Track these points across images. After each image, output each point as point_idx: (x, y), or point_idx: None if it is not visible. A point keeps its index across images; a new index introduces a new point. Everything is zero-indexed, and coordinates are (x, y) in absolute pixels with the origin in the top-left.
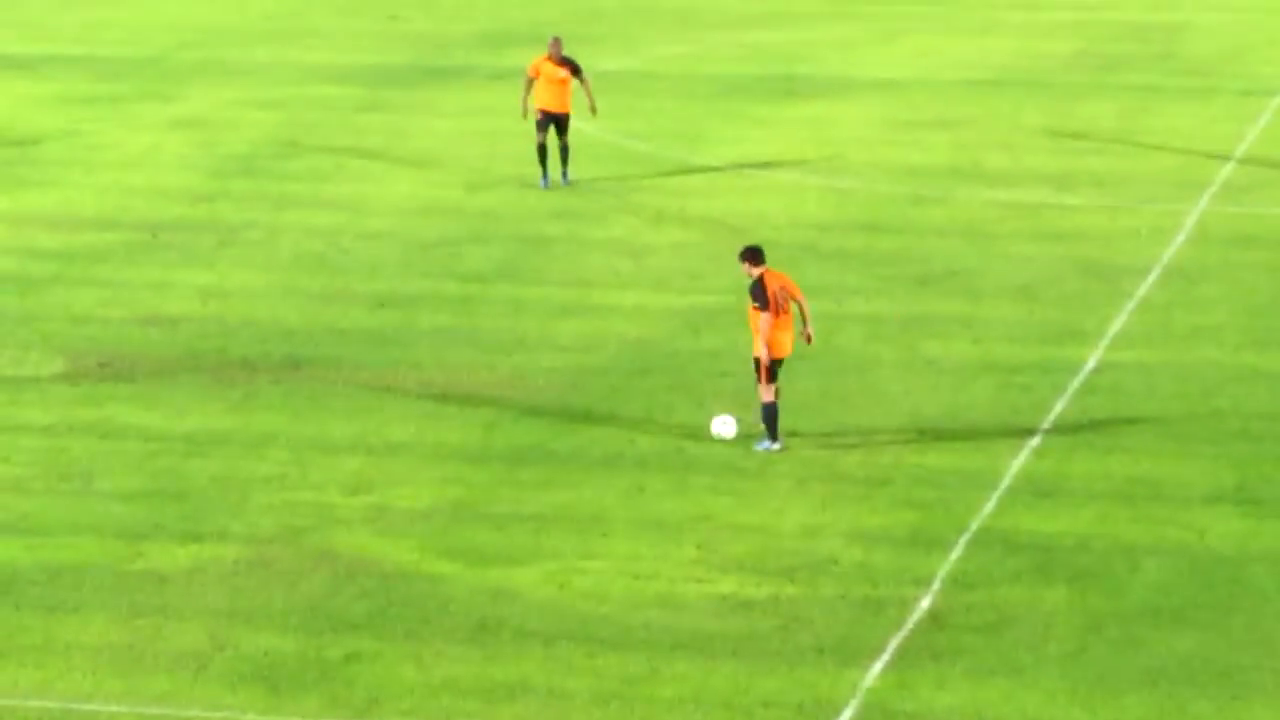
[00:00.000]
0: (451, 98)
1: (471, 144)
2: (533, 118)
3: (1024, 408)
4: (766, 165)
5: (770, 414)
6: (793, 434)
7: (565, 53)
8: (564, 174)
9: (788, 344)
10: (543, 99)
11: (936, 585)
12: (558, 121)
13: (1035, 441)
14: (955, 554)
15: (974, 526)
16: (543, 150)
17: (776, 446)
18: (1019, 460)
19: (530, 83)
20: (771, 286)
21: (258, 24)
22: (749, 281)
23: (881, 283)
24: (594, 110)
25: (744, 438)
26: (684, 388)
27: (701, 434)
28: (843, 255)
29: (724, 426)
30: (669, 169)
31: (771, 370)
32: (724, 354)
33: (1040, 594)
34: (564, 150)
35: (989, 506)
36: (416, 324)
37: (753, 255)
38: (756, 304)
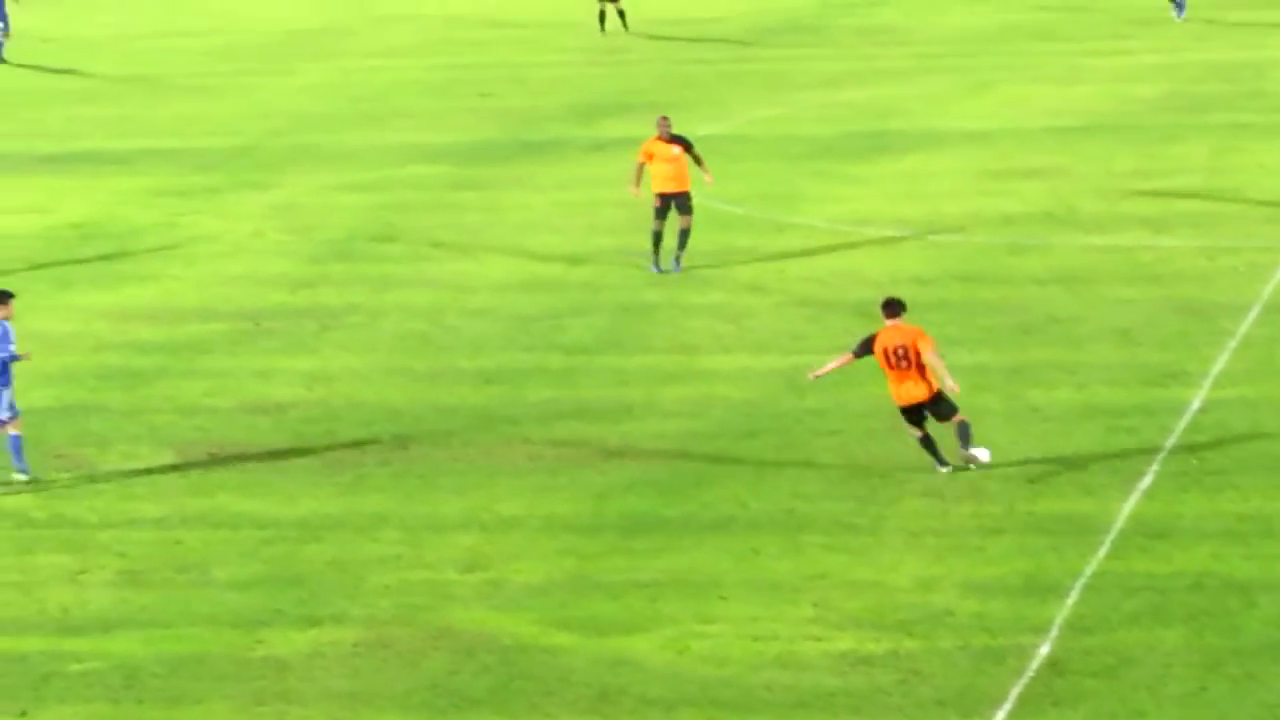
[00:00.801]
0: (546, 171)
1: (569, 216)
2: (650, 203)
3: (1131, 450)
4: (863, 222)
5: (926, 445)
6: (902, 486)
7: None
8: (677, 260)
9: (904, 393)
10: (659, 182)
11: (1054, 632)
12: (679, 202)
13: (1144, 483)
14: (1071, 600)
15: (1088, 571)
16: (658, 238)
17: (945, 470)
18: (1129, 503)
19: (641, 167)
20: (882, 341)
21: (348, 108)
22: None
23: (983, 333)
24: (710, 180)
25: (854, 499)
26: (792, 448)
27: (811, 494)
28: (943, 307)
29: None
30: (766, 231)
31: (907, 416)
32: (830, 413)
33: (1158, 635)
34: (684, 234)
35: (1102, 550)
36: (523, 398)
37: (883, 306)
38: (855, 347)
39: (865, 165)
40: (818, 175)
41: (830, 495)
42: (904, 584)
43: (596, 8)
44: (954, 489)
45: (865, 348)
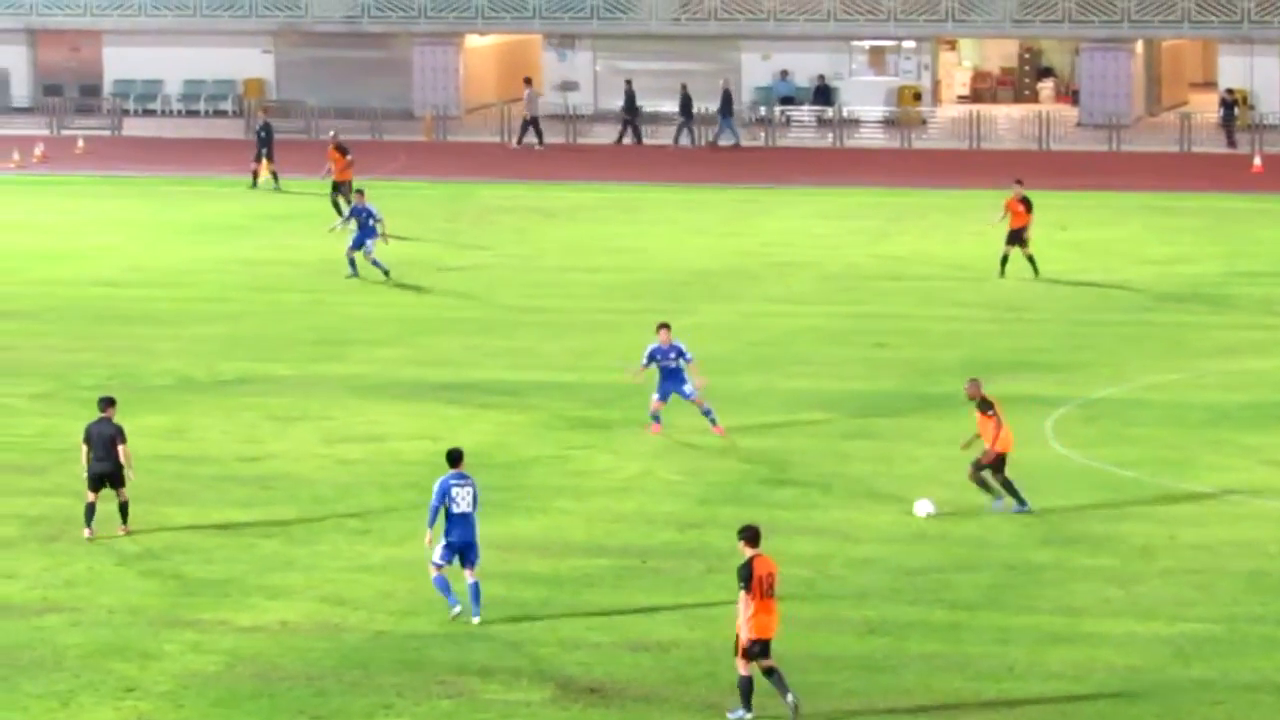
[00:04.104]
0: (939, 426)
1: (959, 471)
2: None
3: None
4: (1256, 493)
5: (745, 686)
6: None
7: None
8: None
9: (772, 626)
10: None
11: None
12: None
13: None
14: None
15: None
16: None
17: (749, 716)
18: None
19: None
20: (759, 571)
21: (745, 351)
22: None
23: None
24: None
25: None
26: (1173, 717)
27: None
28: None
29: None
30: (1157, 496)
31: (751, 649)
32: (1215, 684)
33: None
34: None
35: None
36: (904, 651)
37: (750, 537)
38: (741, 584)
39: (1262, 435)
40: (1213, 443)
41: None
42: None
43: (1001, 251)
44: None
45: (750, 578)
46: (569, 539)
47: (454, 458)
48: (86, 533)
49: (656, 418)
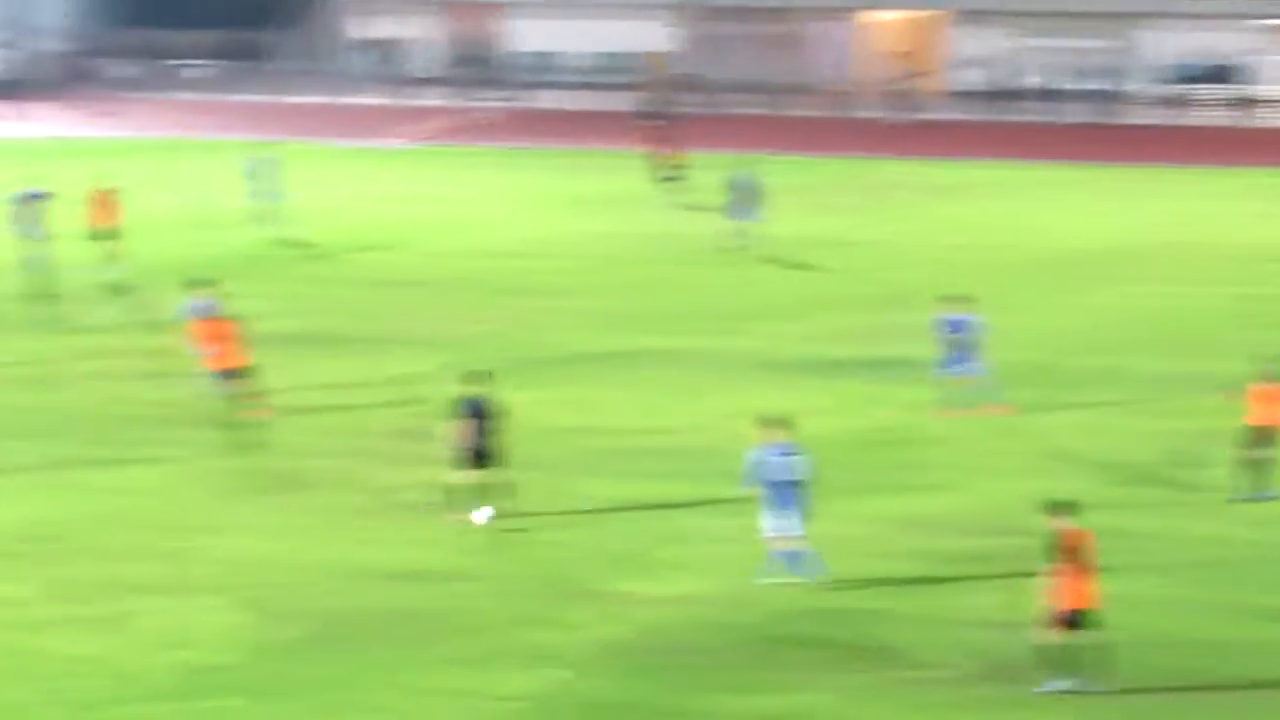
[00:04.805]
0: None
1: None
2: None
3: None
4: None
5: (1055, 655)
6: None
7: None
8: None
9: (1088, 597)
10: None
11: None
12: None
13: None
14: None
15: None
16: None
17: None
18: None
19: None
20: (1069, 543)
21: (1141, 332)
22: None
23: None
24: None
25: None
26: None
27: None
28: None
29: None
30: None
31: (1072, 619)
32: None
33: None
34: None
35: None
36: None
37: (1058, 510)
38: (1049, 556)
39: None
40: None
41: None
42: None
43: None
44: None
45: (1054, 548)
46: (977, 517)
47: (776, 426)
48: (473, 516)
49: (963, 402)
